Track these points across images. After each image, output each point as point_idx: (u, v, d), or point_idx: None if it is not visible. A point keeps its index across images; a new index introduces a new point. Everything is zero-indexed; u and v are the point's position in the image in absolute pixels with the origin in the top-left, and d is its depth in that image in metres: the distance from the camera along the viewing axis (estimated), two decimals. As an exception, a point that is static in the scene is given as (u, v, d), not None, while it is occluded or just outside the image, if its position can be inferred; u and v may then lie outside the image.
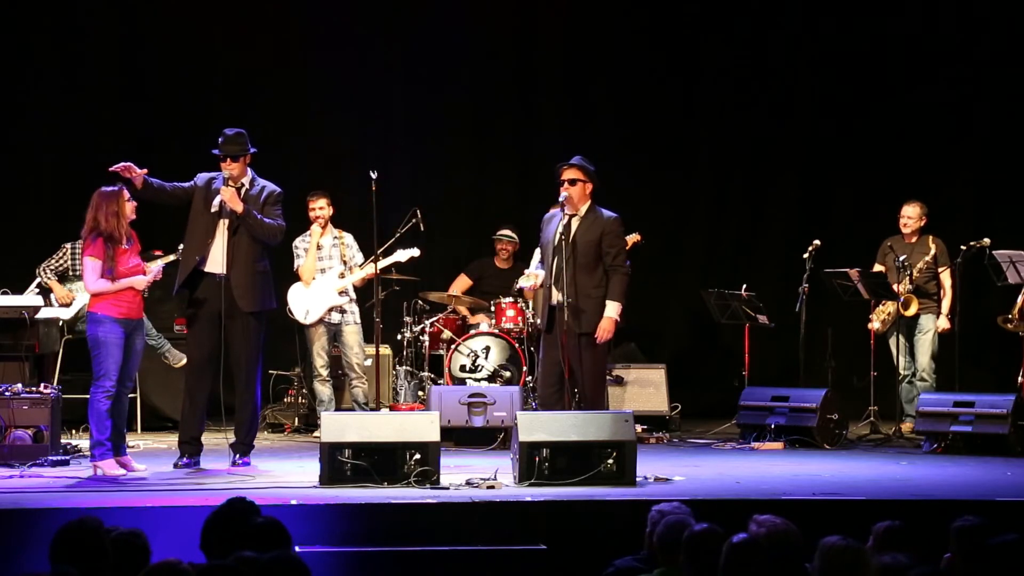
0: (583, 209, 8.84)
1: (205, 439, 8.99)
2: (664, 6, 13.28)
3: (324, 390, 10.98)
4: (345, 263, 11.08)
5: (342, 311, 11.02)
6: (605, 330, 8.73)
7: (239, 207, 8.70)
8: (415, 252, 11.10)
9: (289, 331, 11.43)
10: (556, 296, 8.82)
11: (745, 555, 4.53)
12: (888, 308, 11.12)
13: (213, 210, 8.72)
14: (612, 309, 8.75)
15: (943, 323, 11.05)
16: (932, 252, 11.09)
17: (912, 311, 11.04)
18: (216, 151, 8.85)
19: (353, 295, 11.13)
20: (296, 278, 11.07)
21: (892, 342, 11.10)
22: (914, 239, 11.20)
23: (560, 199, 9.74)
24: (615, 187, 12.91)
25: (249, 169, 8.92)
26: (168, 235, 9.83)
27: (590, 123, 13.26)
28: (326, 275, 11.04)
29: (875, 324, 11.20)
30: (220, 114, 11.07)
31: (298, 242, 11.02)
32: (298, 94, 12.83)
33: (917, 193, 11.50)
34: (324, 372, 11.00)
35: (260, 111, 12.21)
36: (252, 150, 8.90)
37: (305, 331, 11.13)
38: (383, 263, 10.80)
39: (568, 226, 8.82)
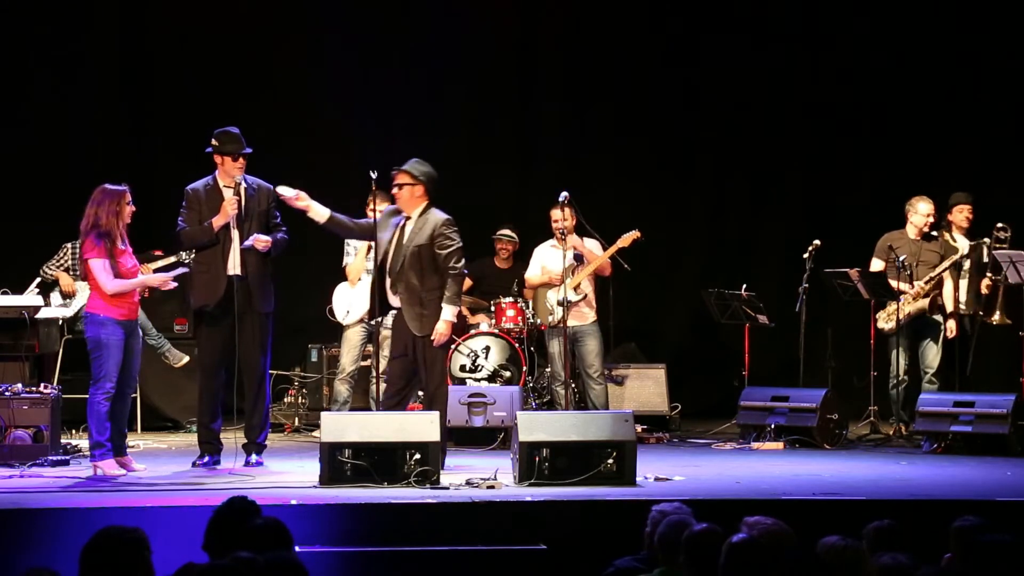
0: (416, 212, 8.82)
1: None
2: (664, 6, 13.28)
3: (343, 389, 10.86)
4: None
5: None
6: (441, 333, 8.73)
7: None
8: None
9: (289, 331, 11.42)
10: (393, 299, 8.78)
11: (744, 555, 4.53)
12: (904, 308, 10.87)
13: (231, 212, 8.74)
14: (447, 312, 8.73)
15: (952, 327, 10.98)
16: (960, 255, 10.92)
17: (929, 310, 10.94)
18: (211, 149, 8.83)
19: None
20: (342, 277, 11.02)
21: (898, 343, 11.00)
22: (921, 238, 11.10)
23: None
24: (615, 187, 13.04)
25: None
26: (167, 235, 9.81)
27: (590, 123, 13.27)
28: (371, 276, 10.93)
29: (888, 324, 10.95)
30: (220, 114, 11.04)
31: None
32: (298, 94, 12.83)
33: (917, 193, 11.47)
34: (349, 370, 10.92)
35: (260, 111, 12.21)
36: (248, 149, 8.92)
37: (342, 330, 11.05)
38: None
39: (403, 229, 8.81)
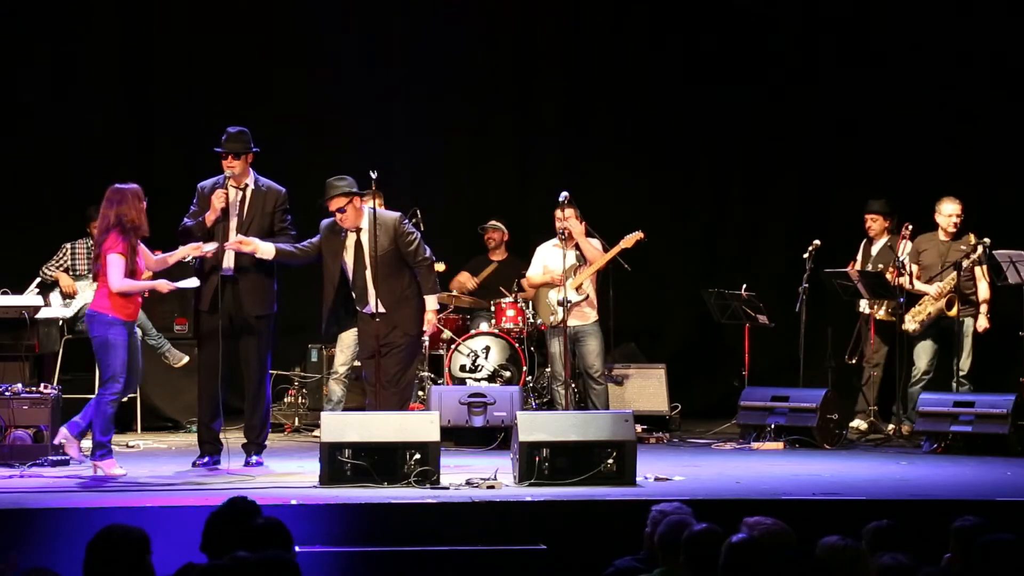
0: (365, 221, 8.77)
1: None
2: (664, 6, 13.28)
3: (337, 389, 10.87)
4: None
5: None
6: (432, 323, 8.93)
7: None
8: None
9: (289, 331, 11.41)
10: (372, 305, 8.75)
11: (744, 555, 4.53)
12: (927, 308, 10.86)
13: (219, 206, 8.71)
14: (431, 303, 8.87)
15: (983, 323, 10.90)
16: (980, 252, 10.87)
17: (955, 311, 10.90)
18: (218, 148, 8.86)
19: None
20: None
21: (925, 345, 10.94)
22: (951, 238, 11.03)
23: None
24: (615, 187, 13.04)
25: (251, 169, 8.92)
26: (168, 235, 9.80)
27: (590, 123, 13.26)
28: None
29: (912, 325, 10.87)
30: (220, 114, 11.06)
31: None
32: (298, 94, 12.83)
33: (917, 192, 11.46)
34: (342, 371, 10.92)
35: (260, 111, 12.20)
36: (255, 149, 8.90)
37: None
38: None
39: (359, 243, 8.78)
